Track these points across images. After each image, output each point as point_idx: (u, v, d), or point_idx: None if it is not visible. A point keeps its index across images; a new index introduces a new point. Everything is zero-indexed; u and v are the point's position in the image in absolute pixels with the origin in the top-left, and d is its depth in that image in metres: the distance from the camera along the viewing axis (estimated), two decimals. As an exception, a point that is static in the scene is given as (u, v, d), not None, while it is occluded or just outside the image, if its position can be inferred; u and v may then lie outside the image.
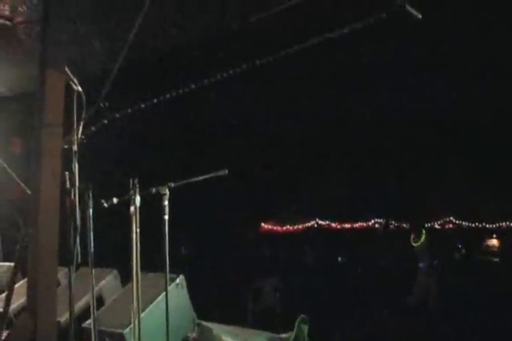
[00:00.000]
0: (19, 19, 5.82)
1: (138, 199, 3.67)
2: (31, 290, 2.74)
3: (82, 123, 3.11)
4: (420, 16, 2.62)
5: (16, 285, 6.19)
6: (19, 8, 5.53)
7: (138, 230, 3.74)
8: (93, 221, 3.47)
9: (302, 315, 4.66)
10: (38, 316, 2.71)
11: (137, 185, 3.65)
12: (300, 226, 20.88)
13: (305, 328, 4.62)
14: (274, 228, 20.16)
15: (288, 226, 20.64)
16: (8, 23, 5.94)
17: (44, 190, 2.65)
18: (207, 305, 5.35)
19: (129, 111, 2.82)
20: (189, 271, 5.08)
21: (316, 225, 21.10)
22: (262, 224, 19.17)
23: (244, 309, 10.39)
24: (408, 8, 2.57)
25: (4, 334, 3.39)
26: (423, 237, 10.79)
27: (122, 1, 4.60)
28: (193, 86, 2.91)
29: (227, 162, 5.54)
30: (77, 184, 3.17)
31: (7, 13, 5.70)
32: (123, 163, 6.28)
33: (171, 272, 4.13)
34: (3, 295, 6.09)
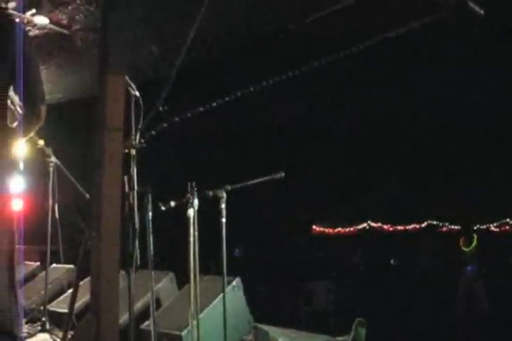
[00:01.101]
0: (76, 27, 5.99)
1: (196, 202, 3.70)
2: (94, 292, 2.78)
3: (140, 127, 3.17)
4: (482, 12, 2.54)
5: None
6: (76, 17, 5.69)
7: (196, 233, 3.77)
8: (152, 224, 3.53)
9: (359, 318, 4.61)
10: (101, 318, 2.75)
11: (195, 188, 3.68)
12: (352, 229, 20.69)
13: (362, 332, 4.57)
14: (326, 230, 20.03)
15: (339, 229, 20.48)
16: (65, 31, 6.11)
17: (105, 194, 2.69)
18: (260, 307, 5.35)
19: (189, 114, 2.84)
20: (242, 274, 5.08)
21: (367, 227, 20.88)
22: (314, 227, 19.07)
23: (296, 311, 10.36)
24: (470, 4, 2.50)
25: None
26: (474, 242, 10.58)
27: (178, 6, 4.68)
28: (251, 88, 2.91)
29: (278, 164, 5.53)
30: (135, 187, 3.23)
31: (65, 22, 5.87)
32: (181, 166, 6.34)
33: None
34: (64, 296, 6.25)
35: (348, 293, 11.67)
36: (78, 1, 5.34)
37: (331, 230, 21.16)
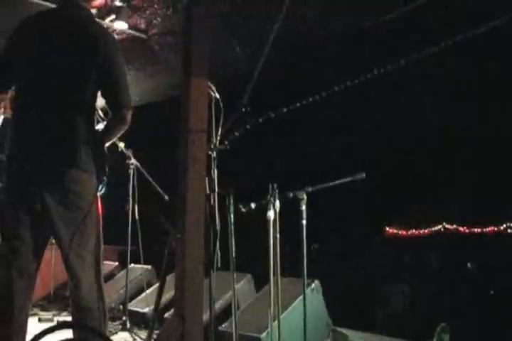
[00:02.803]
0: (153, 31, 6.09)
1: (277, 204, 3.68)
2: (179, 294, 2.80)
3: (221, 129, 3.18)
4: None
5: (152, 287, 6.46)
6: (154, 21, 5.79)
7: (278, 235, 3.75)
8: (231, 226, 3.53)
9: (442, 324, 4.48)
10: (186, 319, 2.76)
11: (276, 190, 3.66)
12: (426, 231, 20.26)
13: (446, 338, 4.44)
14: (399, 232, 19.69)
15: (413, 231, 20.09)
16: (143, 36, 6.23)
17: (190, 196, 2.70)
18: (333, 309, 5.28)
19: (272, 115, 2.82)
20: (315, 276, 5.04)
21: (442, 229, 20.40)
22: (387, 228, 18.80)
23: (372, 315, 10.21)
24: None
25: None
26: None
27: (260, 6, 4.68)
28: (334, 88, 2.88)
29: (353, 165, 5.45)
30: (216, 189, 3.24)
31: (143, 26, 5.98)
32: (262, 168, 6.35)
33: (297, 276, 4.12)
34: (143, 295, 6.37)
35: (423, 297, 11.43)
36: (156, 6, 5.42)
37: (404, 232, 20.79)
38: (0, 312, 2.98)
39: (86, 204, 2.98)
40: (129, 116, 3.10)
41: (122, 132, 3.18)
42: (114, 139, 3.29)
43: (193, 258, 2.73)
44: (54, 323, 6.06)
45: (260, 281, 5.68)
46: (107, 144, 3.19)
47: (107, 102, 3.11)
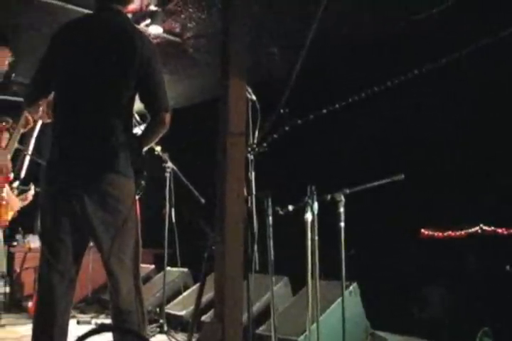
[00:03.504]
0: (188, 35, 6.13)
1: (316, 206, 3.66)
2: (219, 297, 2.78)
3: (258, 131, 3.17)
4: None
5: (189, 290, 6.48)
6: (188, 25, 5.82)
7: (316, 237, 3.72)
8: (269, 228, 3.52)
9: (485, 328, 4.40)
10: (225, 322, 2.75)
11: (314, 192, 3.64)
12: (462, 233, 19.91)
13: (488, 342, 4.36)
14: (435, 234, 19.41)
15: (449, 232, 19.76)
16: (178, 39, 6.27)
17: (229, 199, 2.69)
18: (372, 312, 5.22)
19: (311, 117, 2.80)
20: (353, 278, 4.99)
21: (480, 231, 20.04)
22: (422, 230, 18.53)
23: (409, 318, 10.07)
24: None
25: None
26: None
27: (296, 6, 4.68)
28: (374, 88, 2.84)
29: (388, 167, 5.39)
30: (253, 192, 3.23)
31: (177, 30, 6.02)
32: (299, 170, 6.33)
33: (335, 279, 4.08)
34: (179, 298, 6.40)
35: (461, 300, 11.23)
36: (190, 10, 5.45)
37: (440, 234, 20.49)
38: (42, 315, 3.00)
39: (125, 208, 2.99)
40: (168, 119, 3.10)
41: (161, 135, 3.19)
42: (153, 143, 3.30)
43: (232, 261, 2.71)
44: (92, 326, 6.12)
45: (295, 284, 5.67)
46: (146, 148, 3.20)
47: (145, 106, 3.13)
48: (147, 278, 7.29)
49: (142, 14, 5.61)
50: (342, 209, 3.73)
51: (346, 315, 4.03)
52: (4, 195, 4.11)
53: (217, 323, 2.79)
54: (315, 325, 4.17)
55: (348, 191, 3.75)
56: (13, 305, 7.44)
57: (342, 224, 3.76)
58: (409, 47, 5.35)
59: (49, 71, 3.18)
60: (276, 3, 4.86)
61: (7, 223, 4.83)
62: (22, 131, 4.23)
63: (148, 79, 3.07)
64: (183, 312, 5.95)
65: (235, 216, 2.70)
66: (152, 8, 5.48)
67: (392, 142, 5.83)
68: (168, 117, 3.10)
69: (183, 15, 5.64)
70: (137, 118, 3.68)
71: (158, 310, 6.15)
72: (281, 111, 2.72)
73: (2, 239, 5.04)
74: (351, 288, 4.82)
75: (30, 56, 5.38)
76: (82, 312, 7.07)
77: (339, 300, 4.59)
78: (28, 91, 3.32)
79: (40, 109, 3.51)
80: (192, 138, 8.33)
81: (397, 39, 5.42)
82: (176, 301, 6.40)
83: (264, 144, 2.97)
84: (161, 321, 5.58)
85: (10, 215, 5.52)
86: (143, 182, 3.08)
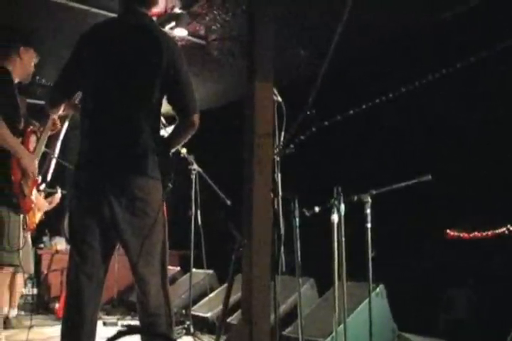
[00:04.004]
0: (212, 37, 6.15)
1: (342, 207, 3.64)
2: (246, 299, 2.78)
3: (284, 132, 3.16)
4: None
5: (215, 292, 6.50)
6: (213, 27, 5.84)
7: (343, 239, 3.70)
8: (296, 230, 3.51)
9: (516, 330, 4.33)
10: (253, 324, 2.75)
11: (341, 193, 3.62)
12: (489, 233, 19.67)
13: (521, 345, 4.29)
14: (461, 235, 19.21)
15: (475, 233, 19.55)
16: (202, 42, 6.29)
17: (256, 201, 2.68)
18: (398, 314, 5.18)
19: (338, 118, 2.79)
20: (379, 279, 4.96)
21: (507, 232, 19.78)
22: (448, 231, 18.35)
23: (436, 319, 9.98)
24: None
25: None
26: None
27: (322, 6, 4.66)
28: (402, 89, 2.82)
29: (414, 167, 5.35)
30: (280, 193, 3.22)
31: (202, 32, 6.05)
32: (326, 171, 6.31)
33: (361, 280, 4.06)
34: (205, 300, 6.41)
35: (488, 302, 11.10)
36: (215, 12, 5.46)
37: (466, 234, 20.25)
38: (70, 317, 3.02)
39: (153, 210, 3.00)
40: (196, 120, 3.11)
41: (189, 137, 3.19)
42: (181, 144, 3.30)
43: (260, 263, 2.71)
44: (118, 327, 6.16)
45: (321, 285, 5.65)
46: (173, 150, 3.21)
47: (173, 108, 3.13)
48: (173, 280, 7.32)
49: (167, 17, 5.63)
50: (369, 211, 3.71)
51: (373, 316, 4.01)
52: (33, 197, 4.14)
53: (244, 325, 2.79)
54: (341, 326, 4.15)
55: (374, 192, 3.73)
56: (41, 307, 7.52)
57: (369, 225, 3.74)
58: (435, 47, 5.30)
59: (73, 75, 3.20)
60: (302, 4, 4.85)
61: (35, 225, 4.87)
62: (49, 133, 4.26)
63: (175, 81, 3.07)
64: (208, 314, 5.96)
65: (262, 218, 2.70)
66: (177, 10, 5.50)
67: (418, 142, 5.78)
68: (196, 118, 3.11)
69: (207, 18, 5.65)
70: (163, 120, 3.68)
71: (184, 311, 6.16)
72: (308, 112, 2.71)
73: (30, 241, 5.09)
74: (378, 289, 4.79)
75: (53, 59, 5.47)
76: (108, 313, 7.12)
77: (366, 301, 4.56)
78: (51, 95, 3.35)
79: (65, 111, 3.55)
80: (217, 140, 8.35)
81: (423, 38, 5.38)
82: (201, 303, 6.42)
83: (291, 145, 2.96)
84: (188, 323, 5.60)
85: (38, 218, 5.58)
86: (170, 184, 3.08)
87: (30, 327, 4.74)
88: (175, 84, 3.08)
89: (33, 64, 4.32)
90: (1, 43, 4.30)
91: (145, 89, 3.04)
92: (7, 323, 5.51)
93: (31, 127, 4.21)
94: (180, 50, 3.19)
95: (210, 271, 6.89)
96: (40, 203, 5.12)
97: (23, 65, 4.23)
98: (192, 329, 5.54)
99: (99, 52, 3.11)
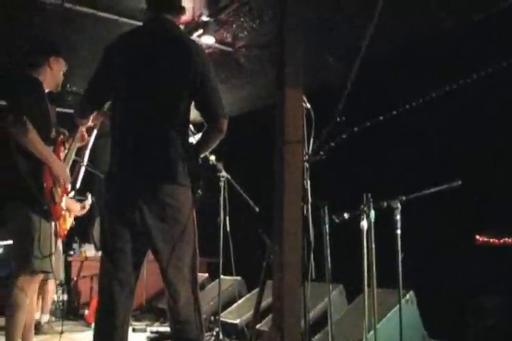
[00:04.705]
0: (239, 44, 6.17)
1: (372, 213, 3.62)
2: (277, 305, 2.79)
3: (313, 139, 3.16)
4: None
5: (243, 298, 6.50)
6: (240, 34, 5.86)
7: (373, 245, 3.68)
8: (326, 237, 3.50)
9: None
10: (284, 330, 2.75)
11: (371, 200, 3.61)
12: (519, 239, 19.38)
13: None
14: (491, 240, 18.95)
15: (506, 239, 19.27)
16: (229, 49, 6.32)
17: (287, 208, 2.69)
18: (427, 321, 5.12)
19: (368, 124, 2.78)
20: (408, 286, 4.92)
21: (537, 238, 19.46)
22: (477, 237, 18.13)
23: (465, 327, 9.84)
24: None
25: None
26: None
27: (350, 12, 4.65)
28: (432, 94, 2.81)
29: (444, 173, 5.30)
30: (309, 200, 3.21)
31: (229, 40, 6.07)
32: (355, 177, 6.29)
33: (392, 287, 4.02)
34: (234, 306, 6.42)
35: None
36: (242, 19, 5.48)
37: (496, 240, 19.95)
38: (103, 324, 3.04)
39: (183, 217, 3.01)
40: (225, 126, 3.12)
41: (217, 142, 3.20)
42: (210, 150, 3.32)
43: (290, 270, 2.71)
44: (147, 333, 6.20)
45: (349, 291, 5.61)
46: (202, 155, 3.22)
47: (201, 114, 3.14)
48: (201, 287, 7.32)
49: (194, 25, 5.67)
50: (398, 217, 3.68)
51: (403, 323, 3.97)
52: (63, 205, 4.20)
53: (275, 332, 2.79)
54: (371, 333, 4.12)
55: (404, 198, 3.70)
56: (71, 313, 7.59)
57: (398, 231, 3.71)
58: (465, 52, 5.25)
59: (102, 86, 3.22)
60: (331, 10, 4.85)
61: (66, 232, 4.94)
62: (78, 145, 4.33)
63: (203, 87, 3.08)
64: (237, 321, 5.96)
65: (293, 225, 2.71)
66: (204, 18, 5.53)
67: (447, 148, 5.72)
68: (224, 124, 3.11)
69: (234, 25, 5.68)
70: (192, 128, 3.70)
71: (213, 318, 6.17)
72: (338, 119, 2.70)
73: (61, 248, 5.15)
74: (408, 296, 4.75)
75: (83, 68, 5.55)
76: (137, 320, 7.16)
77: (395, 308, 4.53)
78: (81, 107, 3.38)
79: (94, 121, 3.58)
80: (245, 146, 8.36)
81: (454, 41, 5.33)
82: (230, 309, 6.42)
83: (321, 152, 2.96)
84: (216, 329, 5.60)
85: (68, 225, 5.65)
86: (199, 190, 3.10)
87: (61, 332, 4.79)
88: (203, 90, 3.09)
89: (62, 73, 4.38)
90: (32, 53, 4.38)
91: (174, 97, 3.06)
92: (39, 329, 5.58)
93: (61, 137, 4.27)
94: (208, 57, 3.21)
95: (238, 278, 6.89)
96: (72, 207, 5.17)
97: (53, 75, 4.29)
98: (221, 336, 5.55)
99: (127, 62, 3.13)
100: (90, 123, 3.64)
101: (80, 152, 4.54)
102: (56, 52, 4.33)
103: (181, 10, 3.30)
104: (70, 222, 5.67)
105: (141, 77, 3.09)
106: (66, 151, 4.32)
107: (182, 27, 5.69)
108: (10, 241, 4.42)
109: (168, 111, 3.06)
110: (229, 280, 6.85)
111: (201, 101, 3.13)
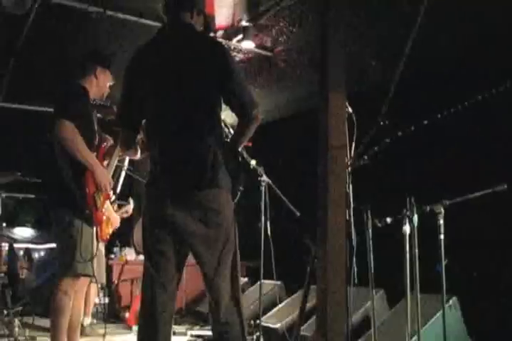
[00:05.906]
0: (279, 49, 6.18)
1: (415, 218, 3.58)
2: (321, 310, 2.78)
3: (354, 144, 3.14)
4: None
5: (283, 303, 6.48)
6: (279, 39, 5.87)
7: (416, 250, 3.64)
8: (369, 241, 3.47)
9: None
10: (328, 336, 2.73)
11: (414, 204, 3.56)
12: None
13: None
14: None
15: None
16: (269, 53, 6.33)
17: (332, 213, 2.68)
18: (471, 328, 5.02)
19: (412, 128, 2.76)
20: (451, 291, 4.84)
21: None
22: None
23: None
24: None
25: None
26: None
27: (393, 15, 4.62)
28: (478, 97, 2.77)
29: (488, 176, 5.20)
30: (351, 204, 3.19)
31: (268, 44, 6.08)
32: (398, 181, 6.23)
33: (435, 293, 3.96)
34: (274, 311, 6.41)
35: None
36: (281, 24, 5.48)
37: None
38: (146, 327, 3.07)
39: (225, 220, 3.03)
40: (258, 114, 3.10)
41: (252, 132, 3.18)
42: (246, 141, 3.29)
43: (334, 275, 2.70)
44: (188, 337, 6.23)
45: (390, 296, 5.55)
46: (239, 148, 3.22)
47: (232, 109, 3.11)
48: (241, 291, 7.33)
49: (234, 30, 5.68)
50: (442, 221, 3.63)
51: (446, 329, 3.91)
52: (104, 210, 4.26)
53: (320, 336, 2.78)
54: (415, 338, 4.07)
55: (447, 202, 3.65)
56: (112, 316, 7.68)
57: (442, 236, 3.66)
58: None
59: (133, 109, 3.22)
60: (374, 13, 4.82)
61: (108, 237, 4.99)
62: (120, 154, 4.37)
63: (229, 83, 3.06)
64: (278, 325, 5.95)
65: (337, 230, 2.69)
66: (244, 23, 5.54)
67: (492, 151, 5.63)
68: (257, 112, 3.10)
69: (274, 30, 5.68)
70: (231, 130, 3.71)
71: (253, 322, 6.16)
72: (382, 123, 2.68)
73: (103, 252, 5.21)
74: (451, 302, 4.67)
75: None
76: (177, 323, 7.19)
77: (438, 314, 4.46)
78: (122, 135, 3.38)
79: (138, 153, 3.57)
80: (285, 150, 8.36)
81: (498, 45, 5.25)
82: (270, 314, 6.41)
83: (365, 157, 2.93)
84: (257, 334, 5.59)
85: (111, 230, 5.70)
86: (240, 188, 3.10)
87: (104, 335, 4.85)
88: (229, 86, 3.06)
89: (108, 85, 4.45)
90: (81, 62, 4.45)
91: (204, 100, 3.05)
92: (82, 331, 5.66)
93: (104, 144, 4.34)
94: (229, 52, 3.20)
95: (278, 282, 6.88)
96: (112, 218, 5.23)
97: (99, 85, 4.37)
98: (262, 340, 5.54)
99: (152, 75, 3.10)
100: (141, 155, 3.60)
101: (121, 157, 4.60)
102: (103, 63, 4.40)
103: (200, 7, 3.23)
104: (113, 226, 5.72)
105: (168, 87, 3.06)
106: (109, 158, 4.39)
107: (221, 32, 5.72)
108: (54, 245, 4.50)
109: (201, 116, 3.04)
110: (269, 285, 6.83)
111: (228, 95, 3.09)
